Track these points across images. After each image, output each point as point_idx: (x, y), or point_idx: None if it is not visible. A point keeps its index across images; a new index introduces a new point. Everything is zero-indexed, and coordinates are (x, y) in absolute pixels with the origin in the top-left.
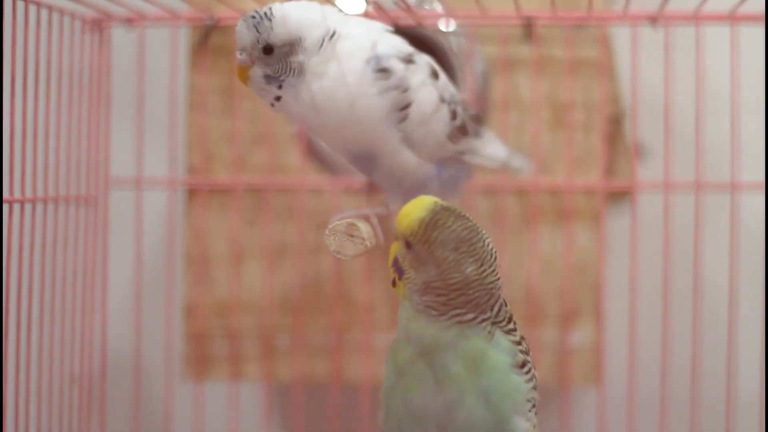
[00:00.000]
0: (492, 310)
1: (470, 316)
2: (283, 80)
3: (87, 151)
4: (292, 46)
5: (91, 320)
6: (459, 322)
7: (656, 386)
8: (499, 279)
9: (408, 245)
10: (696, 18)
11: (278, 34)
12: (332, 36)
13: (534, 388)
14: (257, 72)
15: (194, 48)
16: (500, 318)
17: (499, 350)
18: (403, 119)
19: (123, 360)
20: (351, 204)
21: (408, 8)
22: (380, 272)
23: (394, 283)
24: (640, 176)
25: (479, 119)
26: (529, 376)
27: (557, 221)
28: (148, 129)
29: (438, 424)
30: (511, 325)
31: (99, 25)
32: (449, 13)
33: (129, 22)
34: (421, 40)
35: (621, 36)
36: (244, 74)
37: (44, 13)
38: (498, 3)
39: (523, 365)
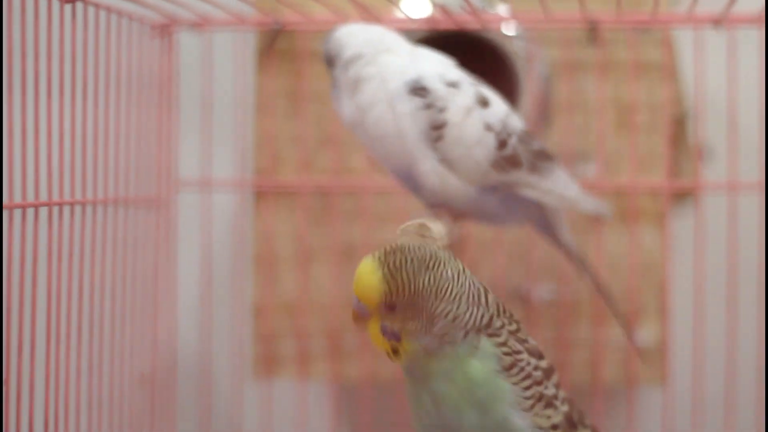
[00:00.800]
0: (473, 318)
1: (459, 334)
2: (333, 90)
3: (156, 154)
4: (332, 60)
5: (161, 321)
6: (448, 343)
7: (722, 386)
8: (471, 282)
9: (388, 308)
10: (760, 21)
11: (327, 48)
12: (366, 56)
13: (529, 385)
14: (332, 80)
15: (261, 52)
16: (483, 323)
17: (483, 359)
18: (438, 139)
19: (192, 360)
20: (416, 205)
21: (473, 11)
22: None
23: (395, 352)
24: (704, 177)
25: (545, 155)
26: (520, 376)
27: (622, 222)
28: (216, 132)
29: None
30: (498, 324)
31: (166, 29)
32: (513, 17)
33: (196, 26)
34: (485, 44)
35: (684, 38)
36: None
37: (114, 18)
38: (561, 6)
39: (511, 367)
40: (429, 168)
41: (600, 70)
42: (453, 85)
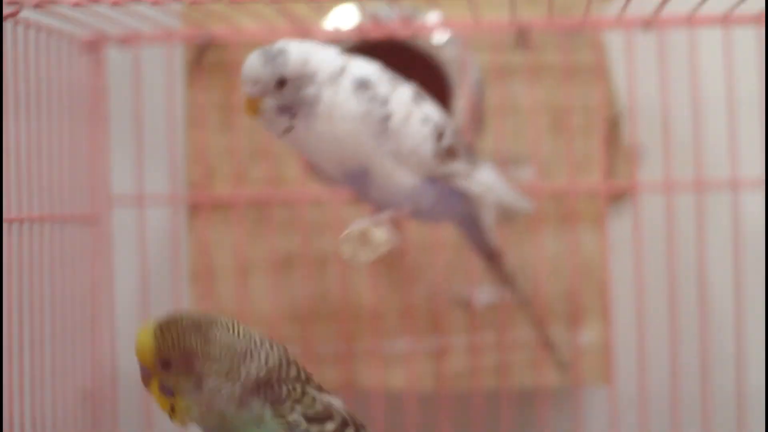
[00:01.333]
0: (249, 380)
1: (233, 396)
2: (295, 112)
3: (89, 170)
4: (305, 79)
5: (100, 338)
6: (223, 404)
7: (666, 384)
8: (254, 345)
9: (163, 366)
10: (690, 22)
11: (294, 68)
12: (342, 70)
13: None
14: (269, 104)
15: (190, 65)
16: (269, 393)
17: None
18: (384, 132)
19: (133, 376)
20: (351, 215)
21: (403, 20)
22: (387, 279)
23: (173, 410)
24: (640, 177)
25: (473, 150)
26: None
27: (561, 224)
28: (148, 147)
29: None
30: (284, 392)
31: (95, 46)
32: (443, 24)
33: (124, 42)
34: (415, 51)
35: (615, 39)
36: (254, 107)
37: (42, 36)
38: (491, 10)
39: None
40: (379, 162)
41: (531, 74)
42: (391, 80)
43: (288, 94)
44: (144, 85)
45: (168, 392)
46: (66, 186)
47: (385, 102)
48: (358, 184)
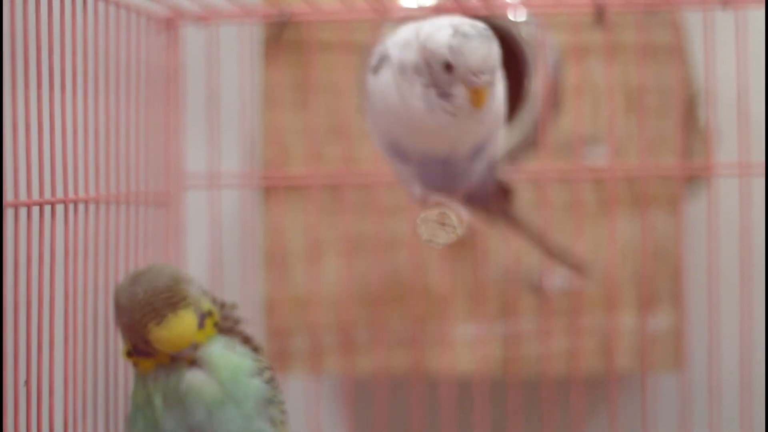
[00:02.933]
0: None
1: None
2: (494, 93)
3: (163, 149)
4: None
5: None
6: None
7: (737, 370)
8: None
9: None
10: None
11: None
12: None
13: (276, 390)
14: (490, 89)
15: (267, 44)
16: (239, 334)
17: (238, 357)
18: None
19: None
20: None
21: None
22: (458, 262)
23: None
24: (716, 159)
25: None
26: (269, 379)
27: (634, 207)
28: (223, 126)
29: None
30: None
31: (171, 23)
32: (521, 2)
33: (201, 19)
34: (494, 30)
35: (693, 19)
36: (484, 96)
37: (122, 12)
38: None
39: (261, 372)
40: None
41: (608, 54)
42: None
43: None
44: (220, 64)
45: (203, 318)
46: (141, 165)
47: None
48: (455, 169)
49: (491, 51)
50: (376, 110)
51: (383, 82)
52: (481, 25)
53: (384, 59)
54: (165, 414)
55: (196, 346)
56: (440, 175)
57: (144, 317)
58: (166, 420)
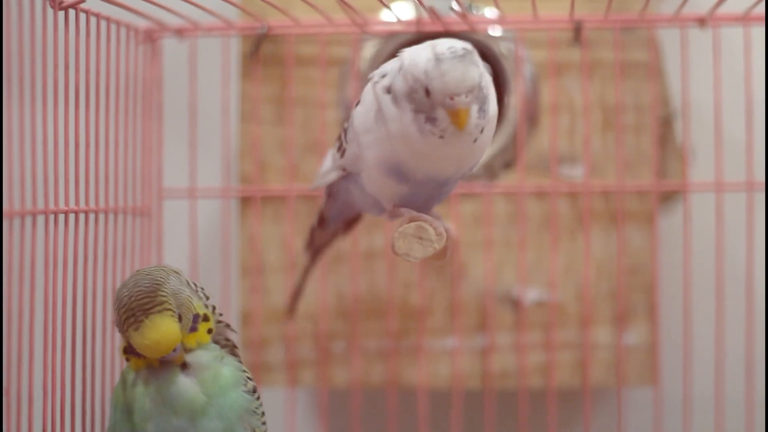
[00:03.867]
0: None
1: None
2: (486, 109)
3: (141, 161)
4: (483, 75)
5: None
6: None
7: (711, 386)
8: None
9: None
10: (745, 19)
11: (481, 64)
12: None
13: (258, 400)
14: (473, 110)
15: (246, 57)
16: (228, 344)
17: (227, 368)
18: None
19: None
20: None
21: (461, 14)
22: (434, 277)
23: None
24: (691, 177)
25: None
26: (252, 390)
27: (610, 223)
28: (201, 139)
29: None
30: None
31: (151, 35)
32: (501, 19)
33: (181, 32)
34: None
35: (670, 37)
36: (465, 117)
37: (103, 24)
38: (546, 6)
39: (246, 382)
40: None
41: (585, 71)
42: None
43: (480, 95)
44: (199, 77)
45: (196, 320)
46: (121, 177)
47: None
48: (441, 187)
49: (467, 72)
50: (379, 132)
51: (384, 107)
52: (460, 46)
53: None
54: (149, 418)
55: (186, 350)
56: (430, 195)
57: (126, 321)
58: (149, 424)
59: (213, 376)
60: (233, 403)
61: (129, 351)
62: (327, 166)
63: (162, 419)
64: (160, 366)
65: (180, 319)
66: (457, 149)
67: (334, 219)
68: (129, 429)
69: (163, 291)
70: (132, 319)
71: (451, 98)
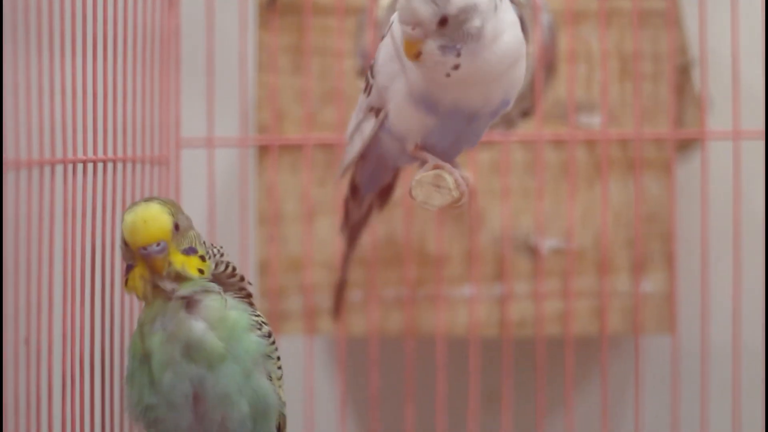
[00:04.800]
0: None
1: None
2: (460, 48)
3: (159, 111)
4: (468, 13)
5: None
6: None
7: (729, 334)
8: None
9: (176, 228)
10: None
11: (456, 3)
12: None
13: (273, 345)
14: (431, 45)
15: (263, 7)
16: (240, 294)
17: (236, 312)
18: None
19: None
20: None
21: None
22: (452, 225)
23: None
24: (709, 125)
25: None
26: (267, 334)
27: (627, 171)
28: (219, 88)
29: (191, 399)
30: (242, 294)
31: None
32: None
33: None
34: None
35: None
36: (414, 49)
37: None
38: None
39: (259, 326)
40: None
41: (603, 20)
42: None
43: (451, 31)
44: (217, 26)
45: (192, 251)
46: (138, 126)
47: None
48: (471, 127)
49: (415, 6)
50: (399, 65)
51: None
52: None
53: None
54: (167, 366)
55: (173, 273)
56: (457, 135)
57: (124, 214)
58: (166, 373)
59: (221, 319)
60: (248, 347)
61: (127, 270)
62: (352, 126)
63: (180, 367)
64: (168, 305)
65: (176, 226)
66: (462, 80)
67: (366, 185)
68: (147, 377)
69: (166, 200)
70: (128, 208)
71: (405, 29)
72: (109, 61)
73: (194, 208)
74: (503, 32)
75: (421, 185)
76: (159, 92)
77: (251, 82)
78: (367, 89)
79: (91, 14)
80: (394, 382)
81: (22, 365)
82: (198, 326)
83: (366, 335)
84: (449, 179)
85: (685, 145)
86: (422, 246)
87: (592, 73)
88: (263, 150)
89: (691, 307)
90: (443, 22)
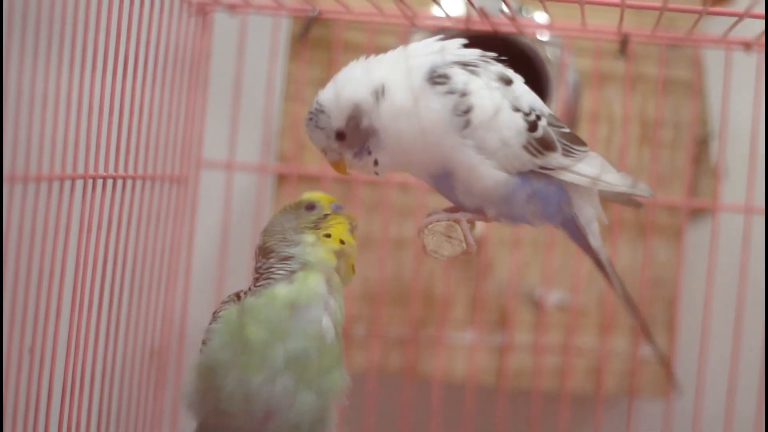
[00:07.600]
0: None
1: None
2: (369, 146)
3: (182, 131)
4: (355, 117)
5: (172, 296)
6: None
7: (723, 404)
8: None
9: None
10: None
11: (337, 118)
12: (382, 85)
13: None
14: (348, 156)
15: (295, 38)
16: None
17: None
18: (466, 125)
19: (201, 336)
20: (436, 202)
21: (511, 16)
22: (460, 270)
23: None
24: (722, 198)
25: (575, 138)
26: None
27: (638, 234)
28: (243, 114)
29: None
30: None
31: (204, 8)
32: (549, 24)
33: (233, 8)
34: (517, 48)
35: (714, 59)
36: (340, 167)
37: None
38: (595, 16)
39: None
40: (463, 159)
41: (628, 83)
42: (473, 65)
43: (352, 138)
44: (247, 54)
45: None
46: (160, 145)
47: (464, 93)
48: (446, 186)
49: (314, 135)
50: None
51: None
52: (313, 108)
53: None
54: (270, 344)
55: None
56: (450, 188)
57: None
58: (272, 350)
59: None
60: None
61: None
62: None
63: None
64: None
65: None
66: (391, 168)
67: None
68: (239, 356)
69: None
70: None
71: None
72: (138, 79)
73: (209, 229)
74: (399, 115)
75: (433, 234)
76: (184, 112)
77: (276, 111)
78: None
79: (125, 32)
80: (389, 420)
81: (24, 373)
82: (315, 310)
83: (365, 371)
84: (460, 230)
85: (696, 213)
86: (429, 287)
87: (612, 135)
88: (282, 178)
89: (688, 374)
90: (340, 136)
